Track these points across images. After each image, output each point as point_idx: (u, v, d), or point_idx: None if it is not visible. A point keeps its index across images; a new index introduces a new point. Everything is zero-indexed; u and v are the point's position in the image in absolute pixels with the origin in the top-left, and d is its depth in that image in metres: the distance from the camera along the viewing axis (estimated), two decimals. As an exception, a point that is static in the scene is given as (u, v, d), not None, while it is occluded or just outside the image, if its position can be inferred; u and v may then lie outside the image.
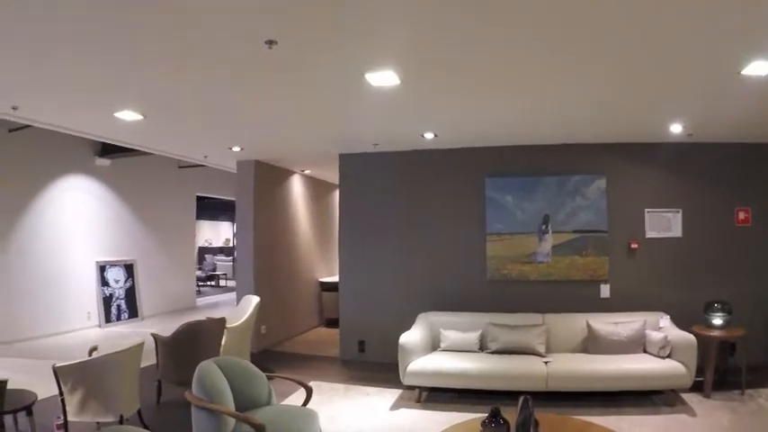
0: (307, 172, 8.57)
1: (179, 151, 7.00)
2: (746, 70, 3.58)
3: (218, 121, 5.12)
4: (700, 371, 4.88)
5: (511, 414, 2.92)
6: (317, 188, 9.36)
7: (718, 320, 5.30)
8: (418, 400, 5.06)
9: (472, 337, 5.45)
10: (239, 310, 6.08)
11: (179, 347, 4.79)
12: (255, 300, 6.03)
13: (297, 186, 8.45)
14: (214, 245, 18.44)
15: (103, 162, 8.90)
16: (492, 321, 5.54)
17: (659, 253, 6.11)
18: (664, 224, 6.16)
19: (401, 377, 5.09)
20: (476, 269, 6.26)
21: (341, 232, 6.82)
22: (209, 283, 14.40)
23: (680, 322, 5.39)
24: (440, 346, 5.50)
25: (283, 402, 4.13)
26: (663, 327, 5.36)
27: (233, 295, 12.83)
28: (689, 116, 5.08)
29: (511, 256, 6.19)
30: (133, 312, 9.37)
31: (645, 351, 5.19)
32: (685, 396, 4.98)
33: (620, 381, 4.75)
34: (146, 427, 3.75)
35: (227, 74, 3.64)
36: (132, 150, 7.23)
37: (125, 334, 7.85)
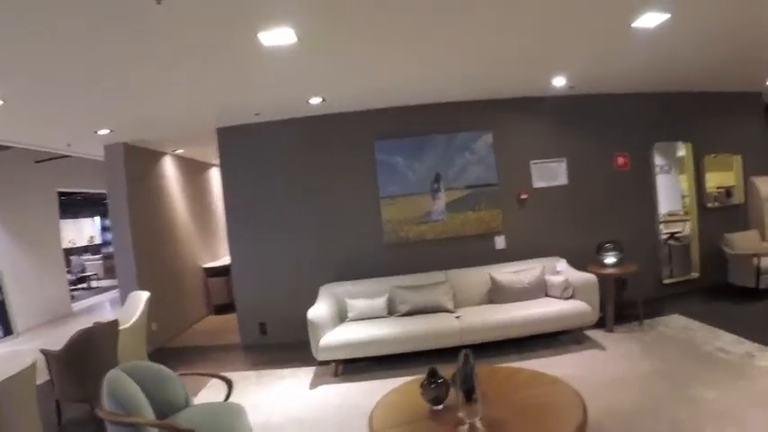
0: (179, 152, 8.37)
1: (38, 141, 6.47)
2: (637, 23, 4.12)
3: (83, 98, 4.78)
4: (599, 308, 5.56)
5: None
6: (191, 169, 9.18)
7: (611, 259, 6.05)
8: (335, 374, 5.25)
9: (379, 302, 5.73)
10: (128, 309, 5.89)
11: (75, 360, 4.50)
12: (145, 295, 5.84)
13: (170, 169, 8.24)
14: (78, 244, 17.46)
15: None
16: (397, 284, 5.89)
17: (548, 201, 6.78)
18: (550, 174, 6.82)
19: (314, 354, 5.22)
20: (373, 235, 6.56)
21: (227, 212, 6.78)
22: (80, 285, 13.68)
23: (575, 264, 6.12)
24: (347, 317, 5.70)
25: (198, 401, 3.97)
26: (560, 270, 6.02)
27: (110, 295, 12.34)
28: (574, 70, 5.68)
29: (406, 217, 6.54)
30: (7, 329, 8.63)
31: (547, 295, 5.81)
32: (589, 333, 5.68)
33: (532, 325, 5.27)
34: None
35: (96, 38, 3.36)
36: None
37: (4, 355, 7.33)
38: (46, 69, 3.91)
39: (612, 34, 4.47)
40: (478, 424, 2.89)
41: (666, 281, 7.10)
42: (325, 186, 6.62)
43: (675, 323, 5.84)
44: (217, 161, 10.13)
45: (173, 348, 7.12)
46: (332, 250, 6.61)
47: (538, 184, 6.79)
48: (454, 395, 3.07)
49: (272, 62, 4.26)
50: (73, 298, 11.50)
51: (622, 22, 4.14)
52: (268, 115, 6.37)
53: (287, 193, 6.66)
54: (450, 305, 5.67)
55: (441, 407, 3.20)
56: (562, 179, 6.84)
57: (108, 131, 6.22)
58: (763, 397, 3.75)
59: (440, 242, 6.58)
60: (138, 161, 7.24)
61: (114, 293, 12.50)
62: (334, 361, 5.28)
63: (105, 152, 6.97)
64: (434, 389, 3.22)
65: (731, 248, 6.92)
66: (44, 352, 4.66)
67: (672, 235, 7.41)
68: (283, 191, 6.66)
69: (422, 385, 3.27)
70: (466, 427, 2.90)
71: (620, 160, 7.03)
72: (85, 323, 5.08)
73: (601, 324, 5.69)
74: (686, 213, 7.45)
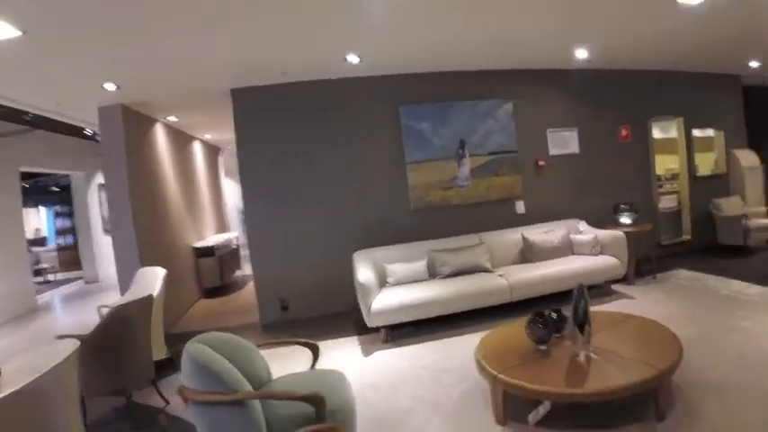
0: (170, 119, 8.24)
1: (26, 97, 6.07)
2: None
3: (99, 46, 4.59)
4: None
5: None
6: (179, 140, 9.03)
7: (626, 219, 6.74)
8: (386, 341, 5.39)
9: (419, 266, 6.04)
10: (139, 287, 5.26)
11: (107, 345, 3.98)
12: (162, 272, 5.40)
13: (161, 138, 8.07)
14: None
15: None
16: (434, 248, 6.23)
17: (562, 168, 7.43)
18: (563, 142, 7.47)
19: (366, 320, 5.38)
20: (399, 201, 6.88)
21: (243, 182, 6.76)
22: (36, 279, 12.87)
23: (591, 225, 6.78)
24: (387, 282, 5.90)
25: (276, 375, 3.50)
26: (583, 230, 6.65)
27: (73, 288, 11.58)
28: (597, 43, 6.32)
29: (432, 182, 6.93)
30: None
31: (573, 253, 6.41)
32: (614, 287, 6.33)
33: (572, 279, 5.60)
34: None
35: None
36: None
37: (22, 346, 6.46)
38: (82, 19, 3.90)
39: (653, 7, 5.13)
40: (593, 353, 3.36)
41: (664, 242, 7.95)
42: (348, 153, 6.80)
43: (684, 276, 6.68)
44: (202, 134, 10.16)
45: (179, 334, 6.39)
46: (356, 219, 6.80)
47: (553, 151, 7.42)
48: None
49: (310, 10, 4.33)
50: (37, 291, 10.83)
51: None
52: (296, 75, 6.44)
53: (307, 160, 6.74)
54: (488, 265, 6.11)
55: (545, 347, 3.60)
56: (574, 147, 7.52)
57: (114, 88, 5.93)
58: None
59: (465, 207, 7.02)
60: (134, 127, 7.03)
61: (76, 287, 11.97)
62: (383, 327, 5.39)
63: (100, 116, 6.66)
64: (541, 327, 3.58)
65: (720, 211, 7.90)
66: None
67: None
68: (303, 158, 6.73)
69: (528, 325, 3.64)
70: (582, 356, 3.37)
71: (623, 132, 7.81)
72: (54, 319, 4.50)
73: (620, 280, 6.37)
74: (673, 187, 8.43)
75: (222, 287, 9.42)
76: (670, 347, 3.37)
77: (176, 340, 5.36)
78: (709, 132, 8.57)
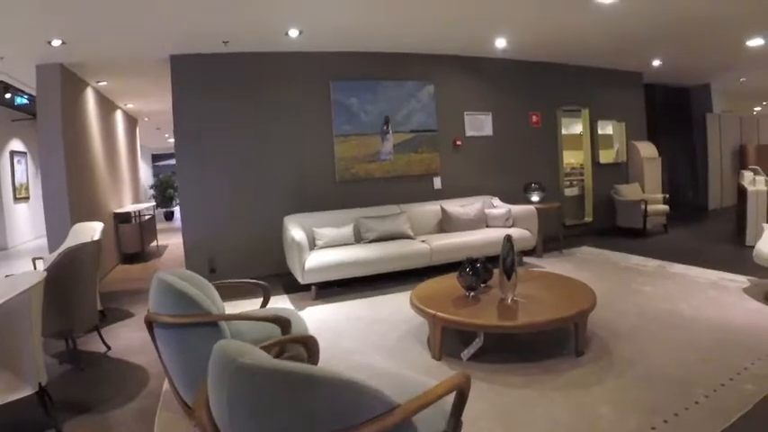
0: (101, 84, 8.49)
1: None
2: None
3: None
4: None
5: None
6: (105, 106, 9.24)
7: (536, 197, 7.60)
8: (314, 298, 5.94)
9: (346, 231, 6.64)
10: (79, 240, 5.09)
11: (59, 287, 4.02)
12: (99, 226, 5.52)
13: (91, 103, 8.28)
14: None
15: None
16: (361, 215, 6.86)
17: (478, 148, 8.25)
18: (479, 125, 8.27)
19: (299, 277, 5.92)
20: (326, 172, 7.47)
21: (177, 146, 7.14)
22: None
23: (504, 202, 7.59)
24: (316, 245, 6.44)
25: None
26: (497, 205, 7.45)
27: None
28: (516, 32, 7.11)
29: (357, 156, 7.56)
30: None
31: (487, 226, 7.20)
32: (525, 259, 7.17)
33: (488, 247, 6.45)
34: (52, 402, 3.21)
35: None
36: None
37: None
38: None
39: (571, 5, 5.95)
40: (518, 298, 4.05)
41: (569, 223, 8.90)
42: (281, 124, 7.29)
43: (588, 251, 7.62)
44: (125, 103, 10.38)
45: (103, 294, 6.15)
46: (285, 187, 7.30)
47: (470, 132, 8.22)
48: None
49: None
50: None
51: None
52: (237, 45, 6.88)
53: (241, 129, 7.16)
54: (410, 233, 6.81)
55: (474, 293, 4.21)
56: (488, 130, 8.36)
57: (60, 43, 6.09)
58: (684, 287, 5.49)
59: (387, 180, 7.70)
60: (69, 89, 7.26)
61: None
62: (314, 285, 5.93)
63: (39, 74, 6.84)
64: (472, 275, 4.17)
65: (620, 196, 8.92)
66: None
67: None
68: (238, 127, 7.14)
69: (459, 273, 4.23)
70: (509, 300, 4.02)
71: (534, 118, 8.72)
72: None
73: (530, 252, 7.22)
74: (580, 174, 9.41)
75: (140, 254, 9.69)
76: (585, 294, 4.09)
77: (102, 299, 5.60)
78: (609, 130, 9.64)
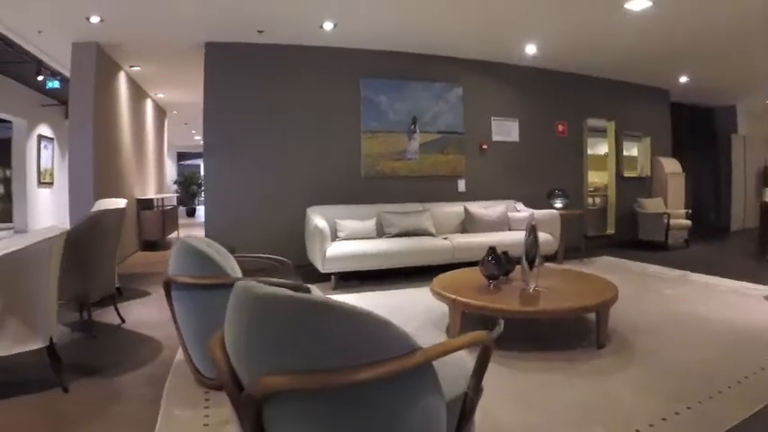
0: (134, 69, 8.60)
1: (9, 19, 6.20)
2: (629, 4, 5.67)
3: None
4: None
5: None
6: (136, 93, 9.40)
7: (559, 204, 7.59)
8: (334, 288, 5.98)
9: (369, 224, 6.68)
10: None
11: (80, 249, 4.02)
12: (123, 202, 5.34)
13: (123, 87, 8.44)
14: None
15: None
16: (384, 210, 6.90)
17: (503, 154, 8.28)
18: (505, 130, 8.31)
19: (319, 265, 5.99)
20: (352, 167, 7.53)
21: (206, 132, 7.22)
22: None
23: (527, 207, 7.58)
24: (338, 237, 6.48)
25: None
26: (520, 210, 7.46)
27: (4, 234, 11.47)
28: (547, 40, 7.19)
29: (384, 153, 7.61)
30: None
31: (510, 229, 7.19)
32: (546, 264, 7.09)
33: (510, 248, 6.29)
34: (60, 363, 3.13)
35: None
36: None
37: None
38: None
39: (600, 12, 6.01)
40: (540, 288, 4.06)
41: (591, 234, 8.87)
42: (311, 116, 7.37)
43: (609, 260, 7.61)
44: (155, 92, 10.51)
45: (121, 275, 6.03)
46: (311, 179, 7.35)
47: (496, 137, 8.25)
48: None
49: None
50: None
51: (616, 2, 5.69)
52: (271, 36, 6.98)
53: (271, 119, 7.24)
54: (433, 230, 6.85)
55: (494, 283, 4.23)
56: (515, 136, 8.39)
57: (98, 20, 6.18)
58: (705, 293, 5.48)
59: (411, 179, 7.74)
60: (103, 70, 7.37)
61: (4, 234, 12.00)
62: (333, 274, 6.00)
63: (74, 52, 6.94)
64: (494, 264, 4.20)
65: (643, 209, 8.90)
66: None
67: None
68: (268, 117, 7.23)
69: (482, 262, 4.25)
70: (530, 289, 4.03)
71: (560, 127, 8.74)
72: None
73: (551, 258, 7.18)
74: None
75: (160, 243, 9.77)
76: (607, 287, 4.12)
77: (120, 280, 5.58)
78: (634, 152, 9.66)
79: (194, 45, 7.17)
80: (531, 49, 7.50)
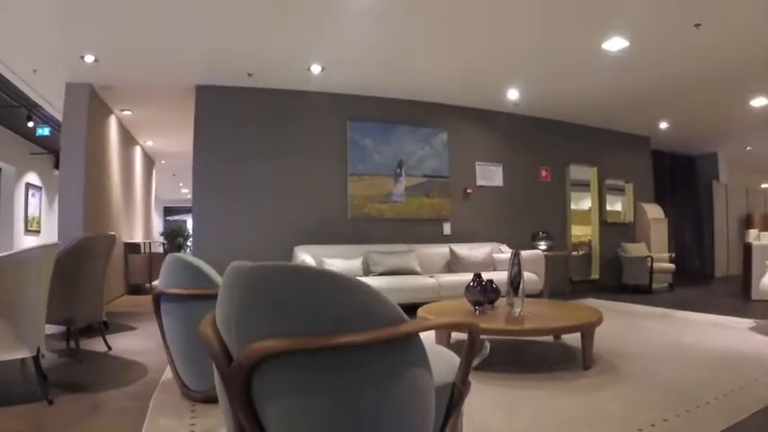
0: (125, 113, 8.70)
1: (6, 55, 6.31)
2: (607, 44, 5.93)
3: (84, 13, 5.15)
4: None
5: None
6: (126, 139, 9.51)
7: (543, 245, 7.69)
8: None
9: (356, 263, 6.77)
10: None
11: (68, 272, 4.03)
12: (112, 232, 5.88)
13: (113, 131, 8.55)
14: None
15: None
16: (370, 250, 6.99)
17: (487, 198, 8.44)
18: (489, 175, 8.47)
19: None
20: (338, 208, 7.61)
21: (195, 173, 7.29)
22: None
23: (512, 248, 7.63)
24: None
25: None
26: (504, 251, 7.53)
27: None
28: (529, 86, 7.49)
29: (370, 195, 7.72)
30: None
31: (495, 270, 7.23)
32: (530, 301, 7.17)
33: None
34: (45, 380, 3.13)
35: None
36: None
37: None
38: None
39: (580, 53, 6.27)
40: (524, 311, 4.09)
41: (575, 279, 8.94)
42: (298, 159, 7.49)
43: (594, 302, 7.54)
44: (144, 140, 10.63)
45: (109, 312, 6.40)
46: (298, 220, 7.41)
47: (480, 182, 8.42)
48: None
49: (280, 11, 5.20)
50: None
51: (594, 42, 5.93)
52: (260, 79, 7.17)
53: (259, 162, 7.35)
54: (419, 269, 6.92)
55: (480, 308, 4.24)
56: (498, 181, 8.55)
57: (92, 59, 6.32)
58: (687, 326, 5.56)
59: (397, 222, 7.83)
60: (95, 111, 7.47)
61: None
62: None
63: (68, 92, 7.05)
64: (479, 290, 4.22)
65: (627, 253, 8.99)
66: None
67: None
68: (256, 159, 7.33)
69: (467, 289, 4.28)
70: (516, 313, 4.06)
71: (543, 173, 8.92)
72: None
73: (534, 297, 7.21)
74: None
75: (146, 288, 9.73)
76: (591, 312, 4.18)
77: (107, 316, 5.52)
78: (618, 207, 9.89)
79: (185, 87, 7.33)
80: (513, 95, 7.75)
